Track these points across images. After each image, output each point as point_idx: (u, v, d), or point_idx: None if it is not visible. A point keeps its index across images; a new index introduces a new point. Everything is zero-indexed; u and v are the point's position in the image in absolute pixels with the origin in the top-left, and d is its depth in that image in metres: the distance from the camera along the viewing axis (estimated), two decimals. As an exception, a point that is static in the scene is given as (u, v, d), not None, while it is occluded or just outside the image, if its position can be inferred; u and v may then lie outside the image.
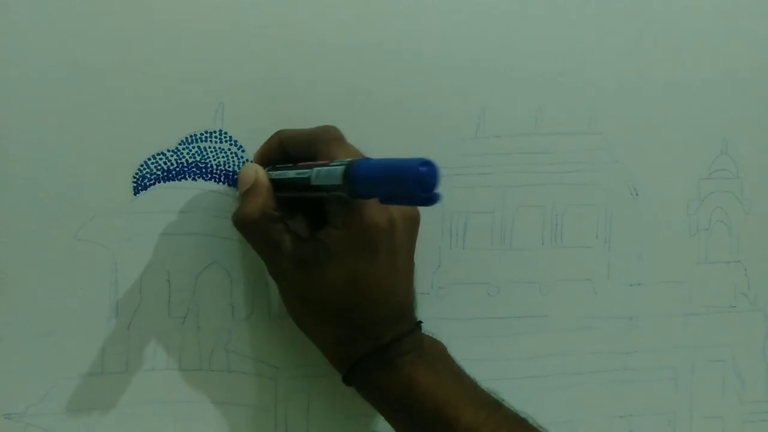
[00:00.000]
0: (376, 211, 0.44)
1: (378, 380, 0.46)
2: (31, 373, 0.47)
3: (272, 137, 0.49)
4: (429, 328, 0.49)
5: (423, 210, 0.51)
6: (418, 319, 0.48)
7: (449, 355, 0.49)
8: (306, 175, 0.44)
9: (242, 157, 0.50)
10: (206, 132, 0.50)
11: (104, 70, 0.48)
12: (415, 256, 0.48)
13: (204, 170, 0.50)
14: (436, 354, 0.48)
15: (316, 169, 0.44)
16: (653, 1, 0.57)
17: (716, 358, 0.59)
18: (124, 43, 0.48)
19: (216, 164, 0.50)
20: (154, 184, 0.49)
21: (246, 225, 0.46)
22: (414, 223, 0.47)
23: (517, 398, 0.52)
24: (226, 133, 0.50)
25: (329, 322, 0.46)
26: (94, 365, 0.48)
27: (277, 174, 0.47)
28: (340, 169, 0.42)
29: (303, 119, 0.50)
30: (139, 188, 0.49)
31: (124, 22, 0.48)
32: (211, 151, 0.50)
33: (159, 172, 0.49)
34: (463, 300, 0.54)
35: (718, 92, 0.59)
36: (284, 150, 0.48)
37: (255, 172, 0.47)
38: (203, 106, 0.49)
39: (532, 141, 0.55)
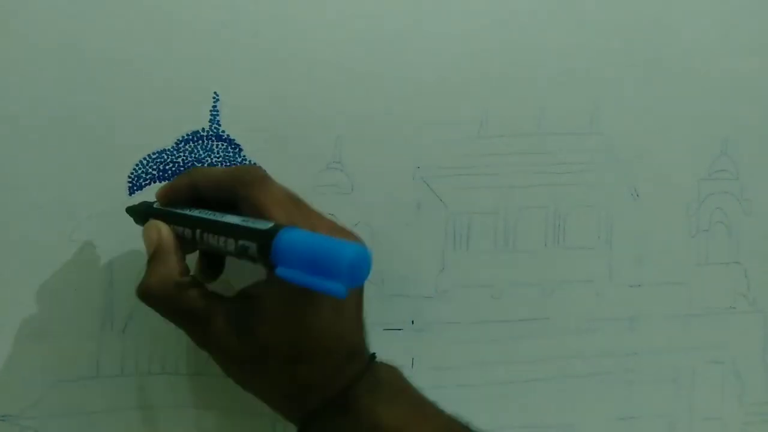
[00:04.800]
0: None
1: (337, 430, 0.42)
2: (26, 375, 0.47)
3: (181, 177, 0.44)
4: (433, 332, 0.48)
5: (426, 213, 0.51)
6: (370, 352, 0.45)
7: (407, 382, 0.45)
8: (222, 246, 0.40)
9: (238, 157, 0.49)
10: (202, 131, 0.49)
11: (99, 70, 0.47)
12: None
13: (201, 170, 0.49)
14: (394, 385, 0.44)
15: (229, 240, 0.40)
16: (654, 1, 0.57)
17: (716, 360, 0.59)
18: (120, 42, 0.48)
19: (212, 164, 0.49)
20: (150, 184, 0.48)
21: (149, 299, 0.42)
22: None
23: (520, 401, 0.52)
24: (222, 132, 0.49)
25: (274, 379, 0.42)
26: (89, 368, 0.48)
27: (187, 232, 0.42)
28: (254, 248, 0.38)
29: (301, 119, 0.50)
30: (135, 188, 0.48)
31: (122, 22, 0.47)
32: (207, 151, 0.49)
33: (154, 172, 0.48)
34: (466, 303, 0.54)
35: (719, 93, 0.59)
36: (197, 192, 0.43)
37: (158, 233, 0.42)
38: (199, 106, 0.49)
39: (534, 141, 0.55)
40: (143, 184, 0.48)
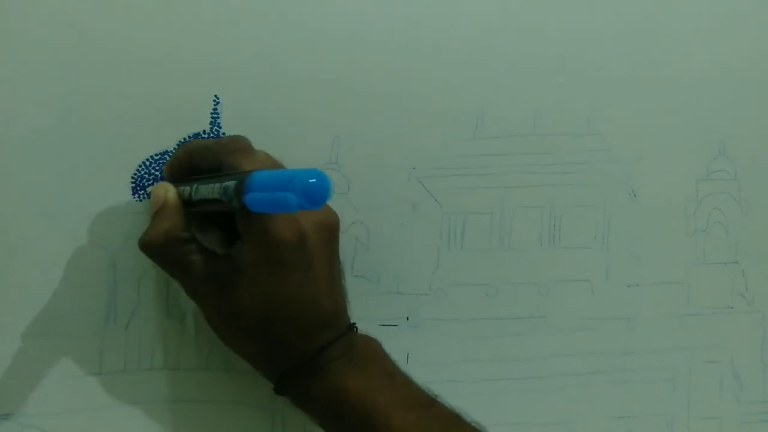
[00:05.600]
0: (283, 225, 0.43)
1: (307, 390, 0.45)
2: (29, 373, 0.47)
3: (179, 150, 0.48)
4: (428, 328, 0.49)
5: (421, 212, 0.51)
6: (351, 322, 0.47)
7: (384, 354, 0.48)
8: (210, 193, 0.43)
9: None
10: (203, 133, 0.49)
11: (102, 71, 0.48)
12: (341, 259, 0.47)
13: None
14: (369, 355, 0.47)
15: (215, 185, 0.42)
16: (652, 1, 0.57)
17: (714, 359, 0.59)
18: (122, 43, 0.48)
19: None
20: (153, 184, 0.49)
21: (150, 249, 0.45)
22: (330, 229, 0.46)
23: (515, 399, 0.52)
24: (223, 133, 0.50)
25: (249, 337, 0.45)
26: (92, 365, 0.48)
27: (186, 190, 0.45)
28: (232, 185, 0.41)
29: (300, 119, 0.51)
30: (138, 189, 0.49)
31: (122, 23, 0.48)
32: (209, 152, 0.50)
33: (157, 173, 0.49)
34: (461, 301, 0.54)
35: (717, 93, 0.59)
36: (192, 163, 0.47)
37: (165, 192, 0.45)
38: (201, 107, 0.49)
39: (530, 142, 0.55)
40: (146, 184, 0.49)
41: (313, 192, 0.37)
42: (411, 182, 0.53)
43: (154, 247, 0.45)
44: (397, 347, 0.48)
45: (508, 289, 0.55)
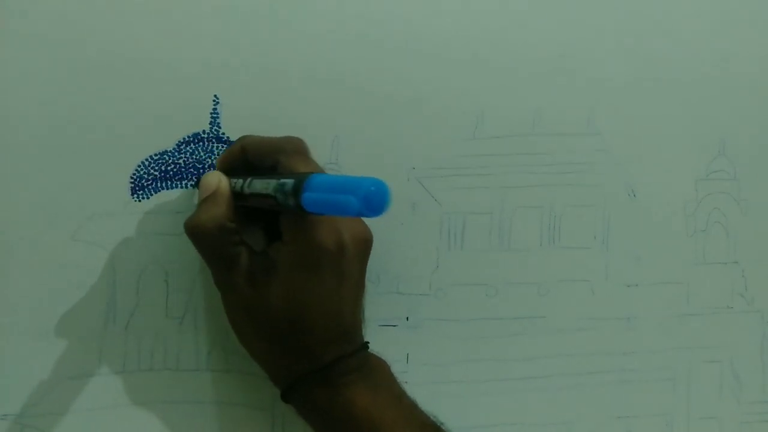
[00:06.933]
0: (326, 231, 0.44)
1: (316, 400, 0.46)
2: (28, 373, 0.47)
3: (235, 143, 0.48)
4: (428, 328, 0.49)
5: (421, 212, 0.51)
6: (364, 340, 0.48)
7: (393, 376, 0.48)
8: (264, 188, 0.43)
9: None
10: (203, 133, 0.50)
11: (101, 71, 0.48)
12: (367, 275, 0.48)
13: (201, 171, 0.50)
14: (379, 374, 0.47)
15: (271, 181, 0.43)
16: (652, 1, 0.57)
17: (713, 359, 0.59)
18: (121, 42, 0.48)
19: (213, 165, 0.50)
20: (152, 184, 0.49)
21: (199, 234, 0.45)
22: (366, 245, 0.46)
23: (515, 399, 0.52)
24: (222, 134, 0.50)
25: (270, 338, 0.46)
26: (92, 366, 0.48)
27: (239, 182, 0.46)
28: (290, 183, 0.41)
29: (299, 120, 0.50)
30: (137, 189, 0.49)
31: (122, 23, 0.48)
32: (208, 152, 0.50)
33: (156, 173, 0.49)
34: (461, 301, 0.54)
35: (716, 93, 0.59)
36: (246, 158, 0.47)
37: (218, 180, 0.46)
38: (200, 107, 0.49)
39: (530, 142, 0.55)
40: (145, 184, 0.49)
41: (374, 199, 0.37)
42: (411, 182, 0.53)
43: (201, 232, 0.45)
44: (396, 347, 0.49)
45: (508, 289, 0.55)
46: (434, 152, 0.53)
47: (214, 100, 0.50)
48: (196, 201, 0.47)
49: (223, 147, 0.50)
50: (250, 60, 0.50)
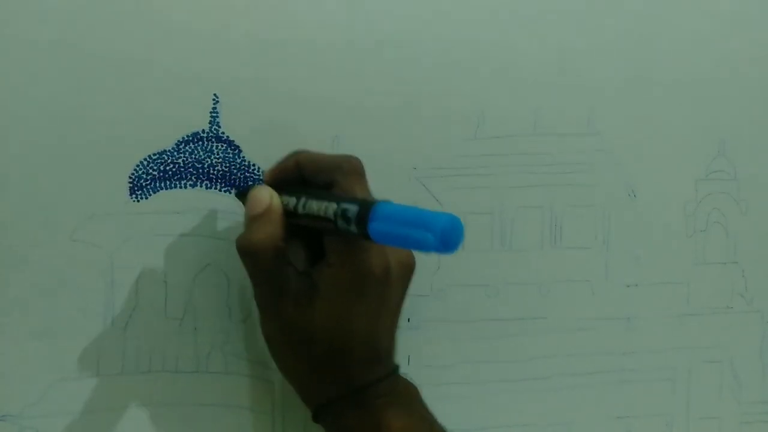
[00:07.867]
0: (373, 256, 0.43)
1: (349, 422, 0.45)
2: (27, 374, 0.47)
3: (289, 157, 0.48)
4: (429, 330, 0.49)
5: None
6: (396, 363, 0.48)
7: (422, 400, 0.48)
8: (323, 210, 0.42)
9: (237, 158, 0.50)
10: (202, 132, 0.49)
11: (100, 70, 0.47)
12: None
13: (200, 171, 0.49)
14: (411, 398, 0.47)
15: (330, 204, 0.42)
16: (652, 2, 0.57)
17: (713, 359, 0.59)
18: (119, 42, 0.48)
19: (212, 165, 0.49)
20: (151, 184, 0.49)
21: (253, 254, 0.44)
22: (410, 271, 0.46)
23: (515, 400, 0.52)
24: (222, 133, 0.50)
25: (308, 359, 0.45)
26: (90, 367, 0.48)
27: (291, 201, 0.45)
28: (354, 210, 0.40)
29: (299, 120, 0.50)
30: (136, 189, 0.48)
31: (121, 23, 0.48)
32: (207, 152, 0.50)
33: (155, 173, 0.49)
34: (462, 302, 0.54)
35: (716, 93, 0.59)
36: (299, 173, 0.47)
37: (270, 198, 0.45)
38: (199, 107, 0.49)
39: (530, 142, 0.55)
40: (144, 184, 0.48)
41: (451, 237, 0.37)
42: (411, 182, 0.53)
43: (255, 252, 0.44)
44: (397, 349, 0.48)
45: (509, 290, 0.55)
46: (435, 152, 0.53)
47: (213, 99, 0.49)
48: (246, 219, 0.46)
49: (222, 146, 0.50)
50: (250, 59, 0.50)
